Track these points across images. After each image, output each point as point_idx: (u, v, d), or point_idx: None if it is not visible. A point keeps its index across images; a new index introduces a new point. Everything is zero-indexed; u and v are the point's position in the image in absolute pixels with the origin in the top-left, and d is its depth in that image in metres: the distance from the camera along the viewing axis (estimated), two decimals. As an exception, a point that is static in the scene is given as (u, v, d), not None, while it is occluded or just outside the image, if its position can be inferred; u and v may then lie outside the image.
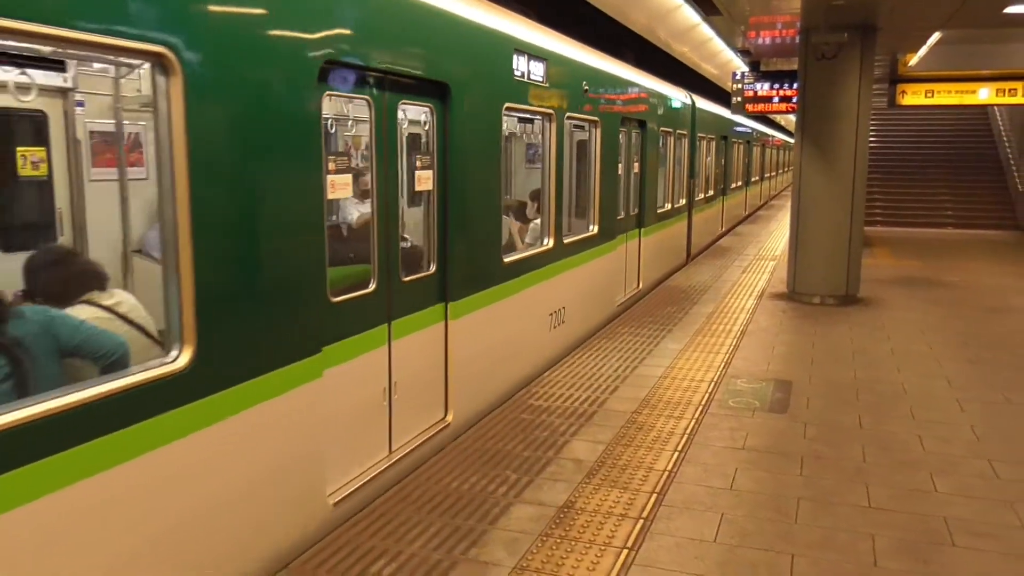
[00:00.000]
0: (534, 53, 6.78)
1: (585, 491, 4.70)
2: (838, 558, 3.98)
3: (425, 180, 5.32)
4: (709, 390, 6.68)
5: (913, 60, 15.78)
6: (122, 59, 3.64)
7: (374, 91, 4.71)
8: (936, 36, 12.68)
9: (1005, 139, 24.02)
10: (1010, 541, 4.18)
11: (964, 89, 17.95)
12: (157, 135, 3.23)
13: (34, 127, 5.45)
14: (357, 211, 6.58)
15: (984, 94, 17.78)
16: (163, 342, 3.47)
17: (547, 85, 7.11)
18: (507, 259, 6.55)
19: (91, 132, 5.93)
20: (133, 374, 3.09)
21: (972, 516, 4.46)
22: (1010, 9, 9.27)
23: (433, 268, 5.44)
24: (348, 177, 4.49)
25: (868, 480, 4.92)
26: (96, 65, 5.17)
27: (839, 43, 10.14)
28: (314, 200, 4.06)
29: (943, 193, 22.91)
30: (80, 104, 5.60)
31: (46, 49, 3.66)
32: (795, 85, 13.09)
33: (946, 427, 5.88)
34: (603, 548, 4.03)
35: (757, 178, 28.34)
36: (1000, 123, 24.69)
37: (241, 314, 3.58)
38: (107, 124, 5.76)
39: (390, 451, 5.00)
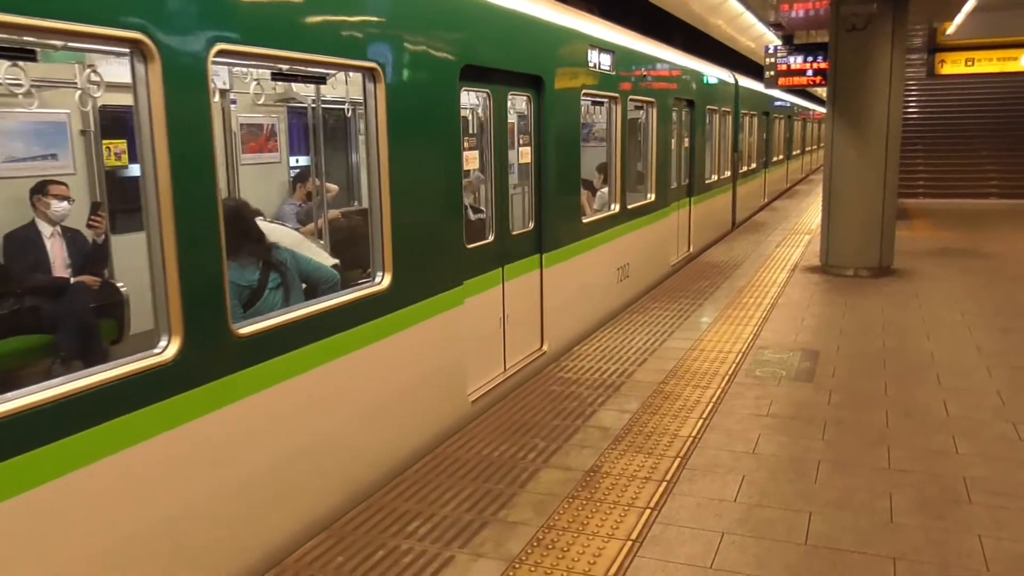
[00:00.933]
0: (604, 46, 8.00)
1: (611, 456, 4.88)
2: (855, 515, 4.11)
3: (526, 154, 6.77)
4: (736, 361, 6.80)
5: (950, 29, 15.52)
6: (345, 71, 5.02)
7: (492, 85, 5.97)
8: (972, 3, 12.50)
9: (1052, 106, 23.42)
10: (1028, 499, 4.28)
11: (1006, 56, 17.66)
12: (367, 126, 4.59)
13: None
14: None
15: (1027, 60, 17.46)
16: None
17: (614, 73, 8.36)
18: (585, 220, 7.86)
19: (241, 125, 7.46)
20: (358, 290, 4.49)
21: (991, 476, 4.56)
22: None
23: (531, 225, 6.78)
24: (476, 153, 5.99)
25: (889, 443, 5.03)
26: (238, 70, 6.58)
27: (869, 14, 10.08)
28: (457, 170, 5.40)
29: (988, 163, 22.45)
30: (233, 102, 7.01)
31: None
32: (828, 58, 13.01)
33: (972, 393, 5.94)
34: (627, 508, 4.22)
35: (798, 151, 28.33)
36: (1047, 90, 24.06)
37: (417, 252, 4.93)
38: (253, 117, 7.56)
39: (504, 368, 6.31)
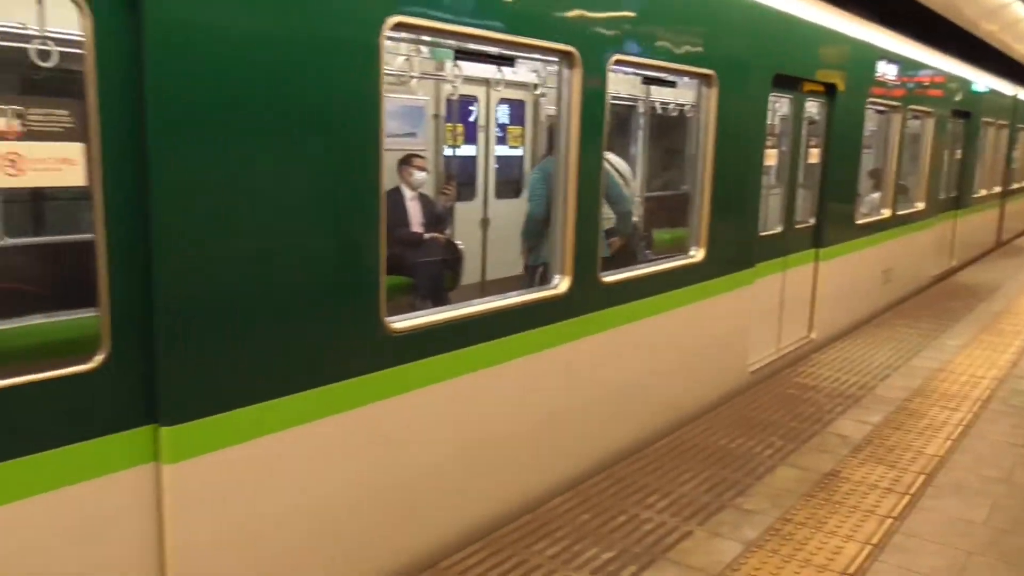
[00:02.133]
0: (890, 58, 8.37)
1: (850, 464, 4.89)
2: (1123, 558, 3.89)
3: (815, 155, 7.26)
4: (991, 387, 6.45)
5: None
6: (687, 78, 5.68)
7: (795, 92, 6.64)
8: None
9: None
10: None
11: None
12: (698, 124, 5.43)
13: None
14: None
15: None
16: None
17: (898, 83, 8.68)
18: (858, 221, 8.24)
19: (547, 116, 8.46)
20: (678, 260, 5.37)
21: None
22: None
23: (812, 221, 7.29)
24: (775, 151, 6.49)
25: None
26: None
27: None
28: (760, 165, 6.13)
29: None
30: (543, 95, 8.25)
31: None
32: None
33: None
34: (867, 514, 4.24)
35: None
36: None
37: (723, 233, 5.62)
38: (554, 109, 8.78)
39: (778, 348, 6.88)
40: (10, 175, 2.20)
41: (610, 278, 4.61)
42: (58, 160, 2.29)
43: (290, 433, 2.98)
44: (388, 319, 3.32)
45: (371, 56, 3.06)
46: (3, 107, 2.18)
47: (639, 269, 5.05)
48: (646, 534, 3.99)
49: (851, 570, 3.70)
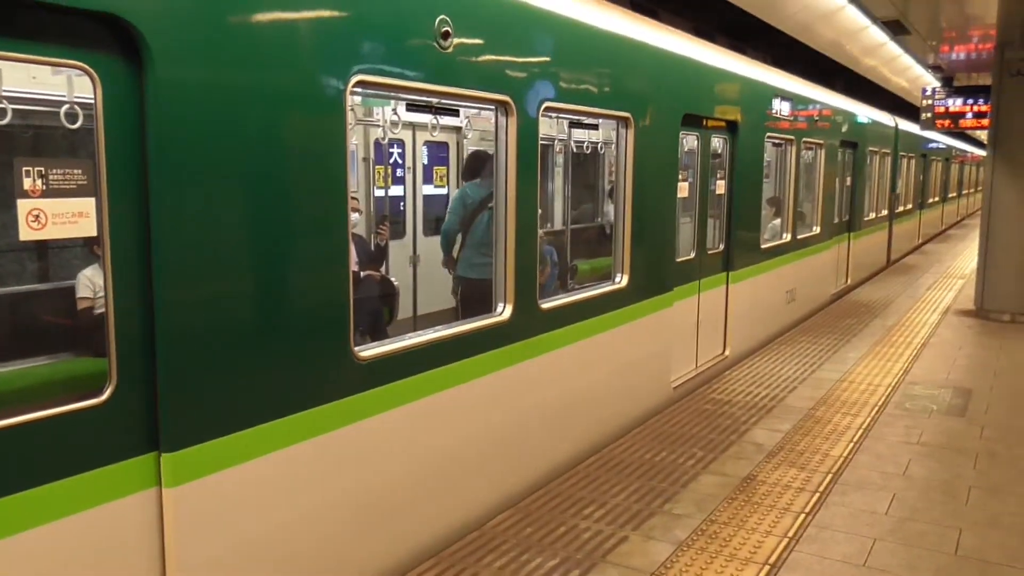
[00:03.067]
0: (783, 95, 9.11)
1: (765, 468, 5.30)
2: (1006, 535, 4.37)
3: (721, 187, 7.87)
4: (886, 393, 7.02)
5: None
6: (607, 120, 6.18)
7: (701, 129, 7.22)
8: None
9: None
10: None
11: None
12: (618, 162, 5.91)
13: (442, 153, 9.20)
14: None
15: None
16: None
17: (792, 118, 9.41)
18: (763, 246, 8.93)
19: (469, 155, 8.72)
20: (607, 286, 5.79)
21: None
22: None
23: (721, 247, 7.94)
24: (686, 184, 7.06)
25: (1043, 477, 5.20)
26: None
27: (1035, 59, 10.04)
28: (674, 196, 6.69)
29: None
30: (465, 136, 8.60)
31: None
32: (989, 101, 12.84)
33: None
34: (783, 511, 4.63)
35: (954, 195, 27.65)
36: None
37: (644, 260, 6.10)
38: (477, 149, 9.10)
39: (696, 365, 7.44)
40: (34, 229, 2.38)
41: (547, 304, 5.00)
42: (75, 214, 2.47)
43: (277, 455, 3.23)
44: (356, 348, 3.59)
45: (339, 110, 3.37)
46: (29, 168, 2.36)
47: (572, 296, 5.46)
48: (586, 542, 4.27)
49: (772, 560, 4.06)
